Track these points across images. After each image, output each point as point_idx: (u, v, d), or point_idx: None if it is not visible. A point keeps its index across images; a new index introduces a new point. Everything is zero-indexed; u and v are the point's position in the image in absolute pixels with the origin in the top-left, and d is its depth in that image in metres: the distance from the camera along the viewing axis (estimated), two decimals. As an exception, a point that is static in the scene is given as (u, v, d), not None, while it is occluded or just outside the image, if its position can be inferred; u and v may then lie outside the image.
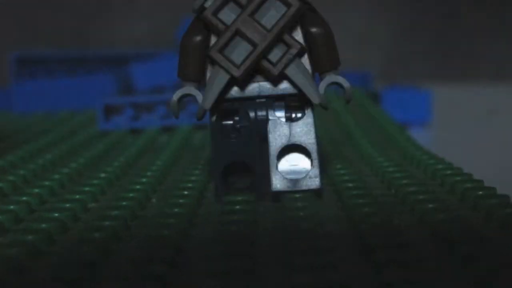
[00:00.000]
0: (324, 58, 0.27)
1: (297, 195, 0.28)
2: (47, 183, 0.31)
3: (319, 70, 0.28)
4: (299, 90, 0.27)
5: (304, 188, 0.28)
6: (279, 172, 0.27)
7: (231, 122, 0.28)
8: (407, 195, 0.27)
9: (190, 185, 0.30)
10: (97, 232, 0.24)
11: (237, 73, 0.26)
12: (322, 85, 0.27)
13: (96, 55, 0.65)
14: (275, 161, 0.27)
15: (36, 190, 0.30)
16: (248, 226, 0.24)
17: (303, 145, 0.28)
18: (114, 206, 0.27)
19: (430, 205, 0.26)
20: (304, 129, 0.28)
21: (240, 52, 0.26)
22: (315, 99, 0.27)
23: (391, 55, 0.94)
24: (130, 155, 0.37)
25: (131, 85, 0.59)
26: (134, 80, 0.58)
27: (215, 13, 0.26)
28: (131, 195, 0.29)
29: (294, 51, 0.27)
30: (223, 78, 0.26)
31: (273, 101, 0.28)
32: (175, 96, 0.27)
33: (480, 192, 0.27)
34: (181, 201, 0.28)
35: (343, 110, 0.50)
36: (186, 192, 0.29)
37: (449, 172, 0.31)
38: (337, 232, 0.24)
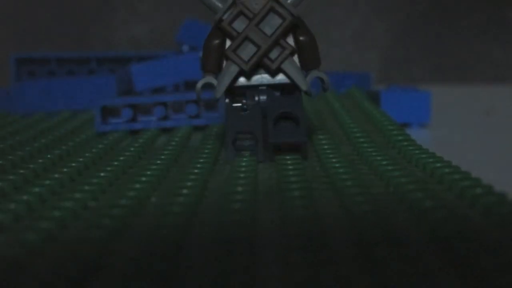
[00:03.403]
0: (309, 59, 0.36)
1: (296, 193, 0.28)
2: (47, 182, 0.31)
3: (305, 68, 0.36)
4: (292, 80, 0.36)
5: (293, 140, 0.36)
6: (275, 129, 0.36)
7: (240, 104, 0.36)
8: (406, 193, 0.28)
9: (189, 184, 0.30)
10: (97, 231, 0.24)
11: (246, 67, 0.35)
12: (308, 79, 0.36)
13: (96, 56, 0.65)
14: (272, 122, 0.35)
15: (36, 189, 0.30)
16: (247, 225, 0.25)
17: (293, 112, 0.35)
18: (114, 205, 0.27)
19: (428, 203, 0.26)
20: (293, 101, 0.36)
21: (248, 52, 0.35)
22: (303, 87, 0.36)
23: (390, 56, 0.94)
24: (129, 155, 0.37)
25: (131, 86, 0.59)
26: (133, 81, 0.58)
27: (230, 23, 0.35)
28: (131, 194, 0.29)
29: (287, 51, 0.35)
30: (234, 70, 0.35)
31: (271, 88, 0.36)
32: (199, 84, 0.36)
33: (478, 190, 0.27)
34: (180, 200, 0.28)
35: (343, 110, 0.51)
36: (185, 191, 0.29)
37: (447, 170, 0.31)
38: (336, 230, 0.24)
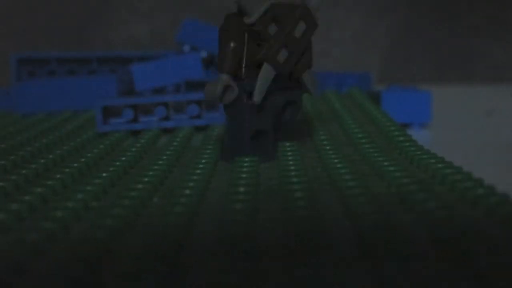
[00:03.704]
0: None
1: (298, 193, 0.28)
2: (49, 182, 0.31)
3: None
4: (305, 85, 0.37)
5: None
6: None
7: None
8: (407, 194, 0.28)
9: (191, 184, 0.30)
10: (99, 231, 0.24)
11: (283, 70, 0.36)
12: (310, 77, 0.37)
13: (97, 56, 0.65)
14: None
15: (38, 190, 0.30)
16: (248, 226, 0.25)
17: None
18: (116, 205, 0.27)
19: (430, 204, 0.26)
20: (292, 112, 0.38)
21: (283, 56, 0.36)
22: (313, 91, 0.38)
23: (390, 56, 0.94)
24: (131, 155, 0.37)
25: (132, 87, 0.59)
26: (134, 81, 0.58)
27: (265, 27, 0.36)
28: (132, 194, 0.29)
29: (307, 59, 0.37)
30: (271, 74, 0.36)
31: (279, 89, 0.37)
32: (219, 87, 0.36)
33: (480, 191, 0.27)
34: (182, 200, 0.28)
35: (344, 110, 0.51)
36: (187, 191, 0.29)
37: (449, 171, 0.31)
38: (337, 230, 0.24)
